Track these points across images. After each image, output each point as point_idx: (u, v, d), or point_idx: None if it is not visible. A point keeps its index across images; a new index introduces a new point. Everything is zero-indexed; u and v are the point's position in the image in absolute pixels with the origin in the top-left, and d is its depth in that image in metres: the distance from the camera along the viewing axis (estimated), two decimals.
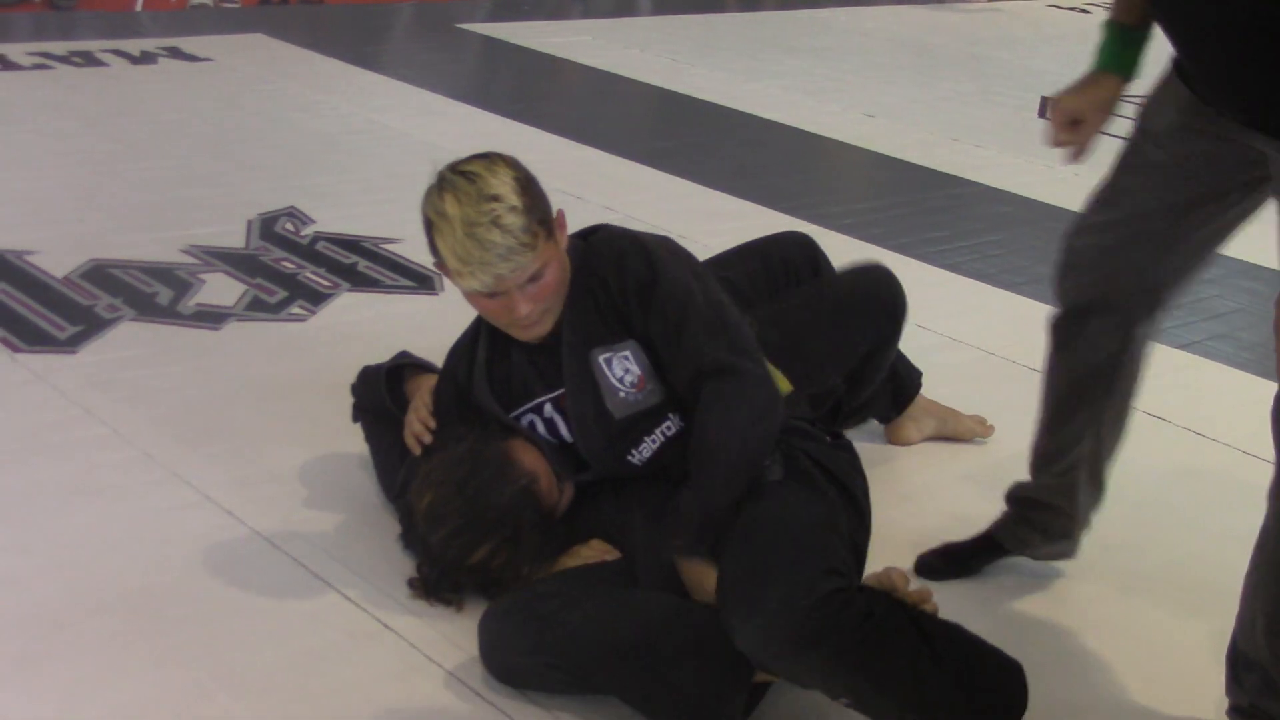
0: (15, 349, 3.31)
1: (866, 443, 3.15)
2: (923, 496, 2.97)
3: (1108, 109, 2.32)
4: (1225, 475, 3.14)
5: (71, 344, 3.36)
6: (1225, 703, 2.21)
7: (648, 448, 2.38)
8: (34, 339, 3.37)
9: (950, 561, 2.64)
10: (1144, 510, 3.00)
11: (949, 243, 4.52)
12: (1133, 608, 2.65)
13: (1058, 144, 2.35)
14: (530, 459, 2.38)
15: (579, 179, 4.88)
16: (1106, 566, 2.77)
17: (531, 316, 2.32)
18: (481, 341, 2.48)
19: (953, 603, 2.55)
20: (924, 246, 4.43)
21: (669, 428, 2.38)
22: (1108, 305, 2.34)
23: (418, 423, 2.55)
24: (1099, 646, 2.51)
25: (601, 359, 2.36)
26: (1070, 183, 5.27)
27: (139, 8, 7.46)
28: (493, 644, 2.22)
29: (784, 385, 2.49)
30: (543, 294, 2.31)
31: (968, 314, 4.03)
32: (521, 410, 2.45)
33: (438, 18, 8.08)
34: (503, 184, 2.24)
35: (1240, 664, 2.13)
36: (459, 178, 2.26)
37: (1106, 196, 2.33)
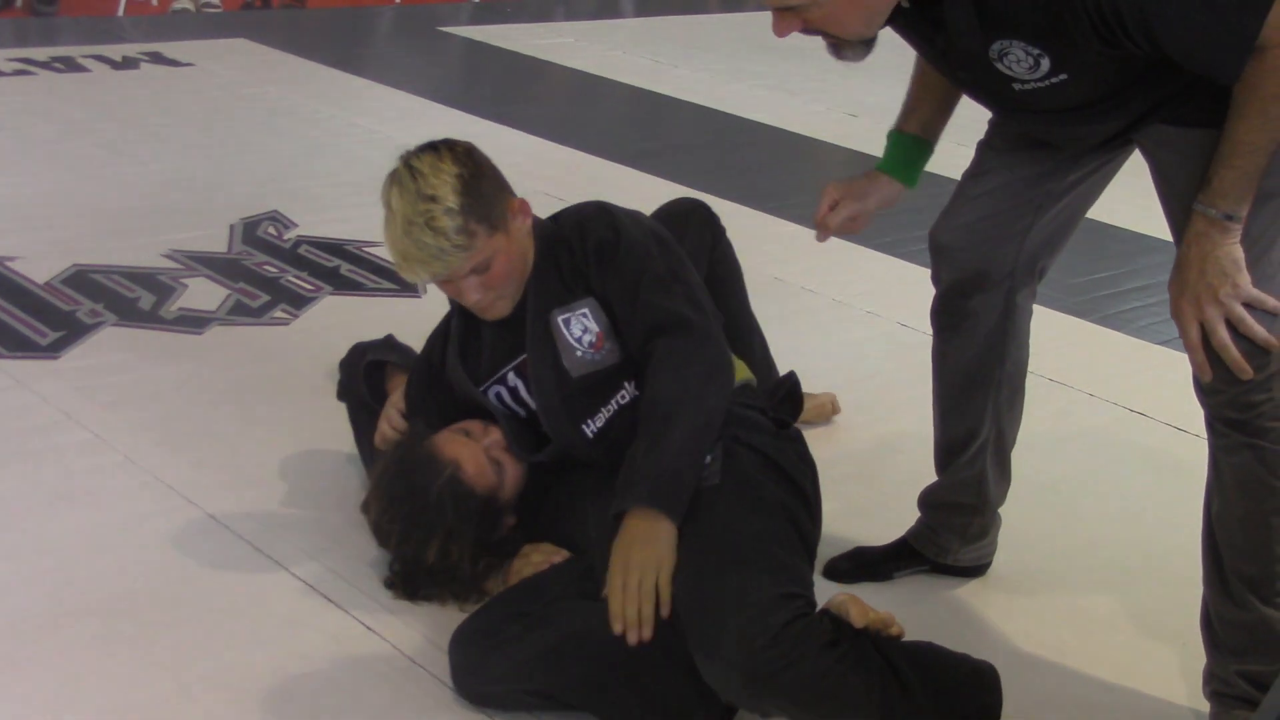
0: None
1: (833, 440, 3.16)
2: (910, 491, 2.97)
3: (866, 199, 2.43)
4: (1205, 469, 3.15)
5: (53, 349, 3.35)
6: (1198, 691, 2.23)
7: (602, 417, 2.39)
8: (15, 345, 3.36)
9: (860, 566, 2.61)
10: (1129, 505, 3.01)
11: None
12: (1113, 601, 2.66)
13: (817, 223, 2.47)
14: (452, 448, 2.40)
15: (562, 180, 4.88)
16: (1086, 561, 2.78)
17: (482, 303, 2.38)
18: (455, 318, 2.53)
19: (923, 601, 2.57)
20: (908, 245, 4.44)
21: (623, 397, 2.39)
22: (987, 277, 2.38)
23: (389, 428, 2.60)
24: (1077, 640, 2.52)
25: (560, 319, 2.38)
26: None
27: (120, 13, 7.45)
28: (463, 672, 2.20)
29: (744, 373, 2.49)
30: (492, 282, 2.35)
31: None
32: (489, 383, 2.48)
33: (420, 20, 8.08)
34: (443, 183, 2.27)
35: (1217, 626, 2.16)
36: (405, 172, 2.30)
37: (974, 172, 2.39)
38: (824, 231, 2.46)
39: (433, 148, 2.34)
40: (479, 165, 2.35)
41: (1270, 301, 1.97)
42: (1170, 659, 2.48)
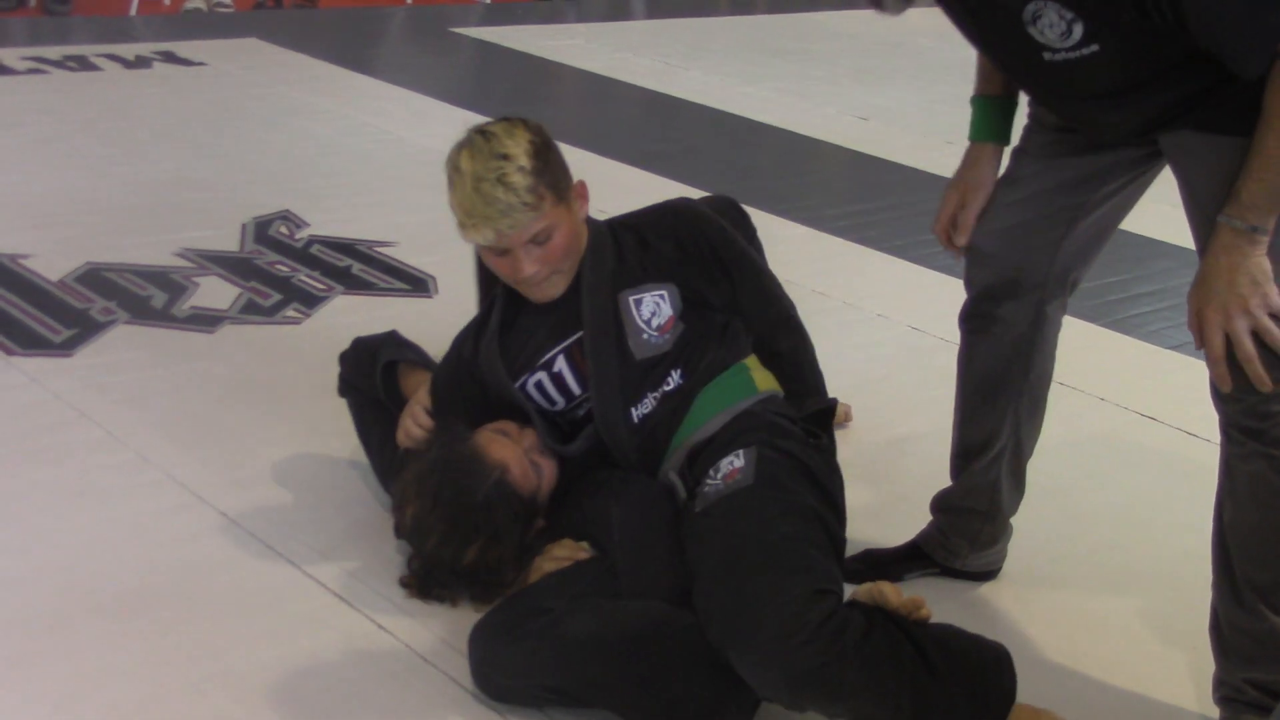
0: (10, 352, 3.31)
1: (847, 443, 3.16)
2: (920, 494, 2.97)
3: (985, 182, 2.40)
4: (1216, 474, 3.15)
5: (66, 347, 3.36)
6: (1208, 696, 2.23)
7: (649, 403, 2.42)
8: (29, 342, 3.37)
9: (870, 567, 2.60)
10: (1137, 510, 3.01)
11: None
12: (1123, 605, 2.66)
13: (941, 230, 2.45)
14: (498, 450, 2.40)
15: None
16: (1097, 565, 2.78)
17: (538, 277, 2.40)
18: (496, 309, 2.54)
19: (933, 603, 2.56)
20: (918, 249, 4.44)
21: (669, 383, 2.43)
22: (1018, 285, 2.38)
23: (414, 425, 2.59)
24: (1088, 644, 2.52)
25: (631, 299, 2.45)
26: None
27: (133, 12, 7.47)
28: (484, 665, 2.21)
29: (771, 384, 2.51)
30: (550, 257, 2.38)
31: None
32: (528, 374, 2.48)
33: (431, 21, 8.10)
34: (516, 145, 2.33)
35: (1227, 633, 2.16)
36: (478, 136, 2.36)
37: (1009, 178, 2.38)
38: (964, 235, 2.41)
39: (506, 119, 2.41)
40: (549, 139, 2.41)
41: None
42: (1180, 663, 2.48)
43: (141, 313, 3.59)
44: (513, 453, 2.40)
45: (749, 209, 4.47)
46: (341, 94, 6.05)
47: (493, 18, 8.31)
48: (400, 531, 2.52)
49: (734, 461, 2.29)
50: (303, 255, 4.07)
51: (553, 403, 2.50)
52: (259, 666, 2.26)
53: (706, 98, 6.60)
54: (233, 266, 3.93)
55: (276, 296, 3.76)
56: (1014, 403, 2.48)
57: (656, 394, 2.42)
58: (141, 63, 6.35)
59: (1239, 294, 1.95)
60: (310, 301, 3.74)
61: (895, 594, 2.14)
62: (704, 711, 2.11)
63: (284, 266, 3.97)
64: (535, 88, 6.90)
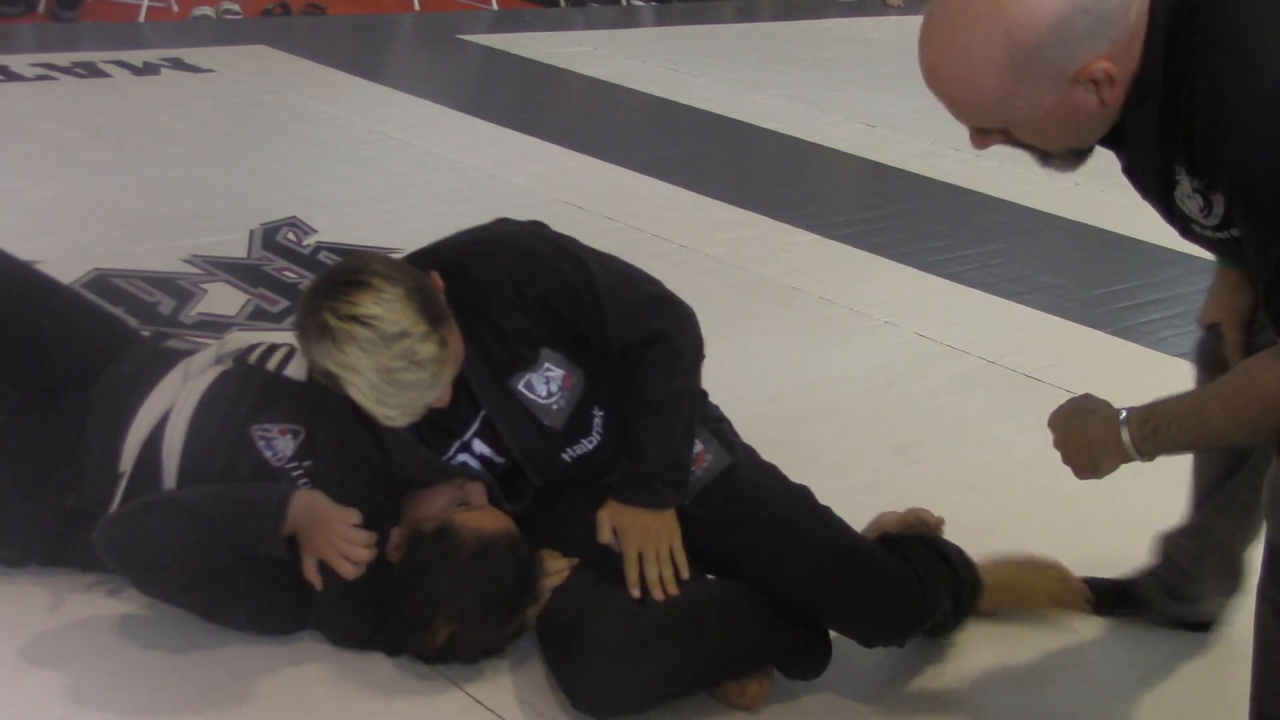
0: None
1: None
2: (926, 502, 2.96)
3: (1241, 315, 2.17)
4: None
5: None
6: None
7: (581, 445, 2.34)
8: None
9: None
10: (1149, 517, 3.00)
11: (950, 252, 4.52)
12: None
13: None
14: (488, 523, 2.25)
15: (580, 188, 4.89)
16: (1107, 575, 2.77)
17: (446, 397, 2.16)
18: (358, 417, 2.19)
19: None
20: (925, 256, 4.44)
21: (598, 424, 2.34)
22: (1248, 466, 2.30)
23: (354, 548, 2.22)
24: (1103, 656, 2.52)
25: (520, 386, 2.25)
26: (1070, 193, 5.28)
27: (142, 19, 7.48)
28: (629, 683, 2.16)
29: None
30: (453, 372, 2.15)
31: (969, 323, 4.03)
32: (451, 455, 2.33)
33: (439, 28, 8.11)
34: (401, 313, 2.01)
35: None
36: (354, 325, 2.00)
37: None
38: (1238, 355, 2.17)
39: (355, 284, 2.03)
40: (404, 269, 2.10)
41: None
42: (1197, 672, 2.48)
43: (149, 319, 3.59)
44: (489, 517, 2.27)
45: (756, 215, 4.47)
46: (349, 100, 6.06)
47: (500, 25, 8.33)
48: (431, 655, 2.27)
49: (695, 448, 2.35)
50: (310, 262, 4.07)
51: (487, 468, 2.37)
52: (268, 672, 2.26)
53: (713, 105, 6.61)
54: (241, 273, 3.94)
55: (284, 303, 3.76)
56: (1230, 499, 2.40)
57: (588, 437, 2.33)
58: (150, 69, 6.37)
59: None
60: None
61: (931, 516, 2.54)
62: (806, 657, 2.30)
63: (291, 273, 3.98)
64: (542, 94, 6.91)
